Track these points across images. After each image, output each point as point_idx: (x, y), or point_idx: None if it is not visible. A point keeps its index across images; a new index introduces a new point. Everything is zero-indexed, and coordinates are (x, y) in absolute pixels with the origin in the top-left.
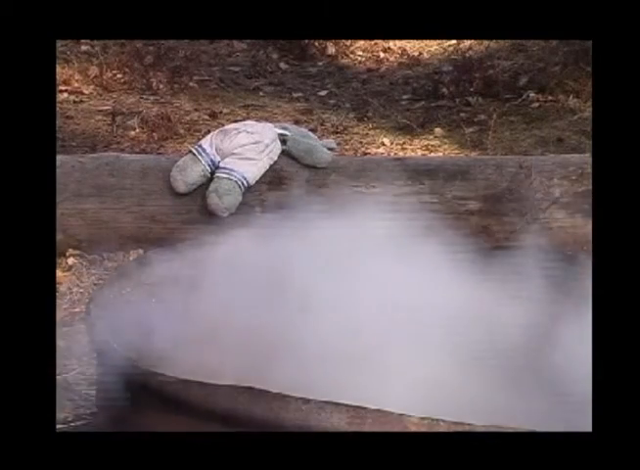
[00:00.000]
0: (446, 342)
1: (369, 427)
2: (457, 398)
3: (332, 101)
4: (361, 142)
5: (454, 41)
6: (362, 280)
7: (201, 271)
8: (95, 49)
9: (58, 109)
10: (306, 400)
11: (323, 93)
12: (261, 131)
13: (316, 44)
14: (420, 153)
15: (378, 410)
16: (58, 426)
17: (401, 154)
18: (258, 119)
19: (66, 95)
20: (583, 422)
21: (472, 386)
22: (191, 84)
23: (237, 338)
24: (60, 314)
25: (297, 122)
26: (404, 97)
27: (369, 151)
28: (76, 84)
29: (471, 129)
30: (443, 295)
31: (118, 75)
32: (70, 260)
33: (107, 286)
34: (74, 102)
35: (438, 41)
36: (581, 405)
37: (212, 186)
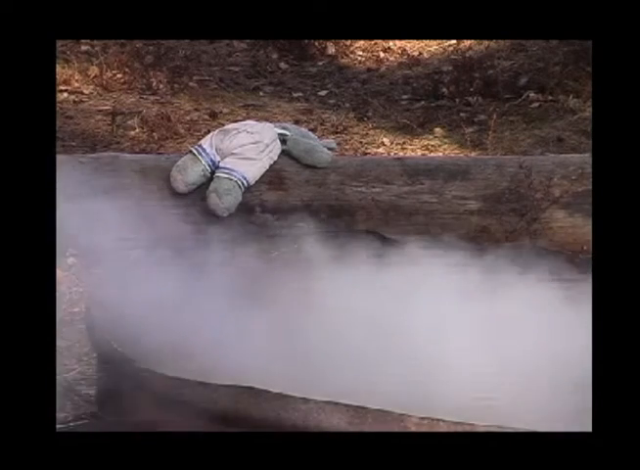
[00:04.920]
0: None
1: (369, 427)
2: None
3: (332, 101)
4: (361, 142)
5: (454, 41)
6: None
7: (201, 271)
8: (95, 49)
9: (58, 109)
10: (306, 400)
11: (323, 93)
12: (261, 131)
13: (316, 44)
14: (420, 153)
15: (378, 410)
16: (58, 426)
17: (401, 154)
18: (258, 119)
19: (66, 95)
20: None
21: (473, 386)
22: (191, 84)
23: (236, 338)
24: (60, 314)
25: (297, 122)
26: (404, 97)
27: (369, 151)
28: (76, 84)
29: (471, 129)
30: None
31: (118, 75)
32: (70, 260)
33: (107, 286)
34: (74, 102)
35: (438, 41)
36: (581, 405)
37: (212, 186)
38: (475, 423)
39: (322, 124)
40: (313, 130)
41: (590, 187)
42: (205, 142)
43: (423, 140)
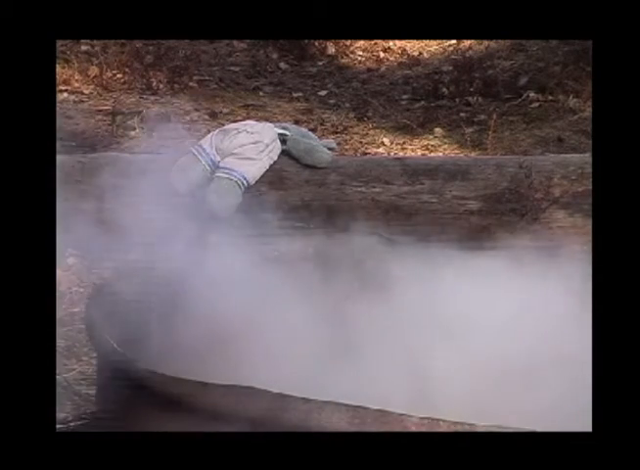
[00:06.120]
0: (449, 343)
1: (369, 427)
2: (459, 397)
3: (332, 101)
4: (361, 142)
5: (454, 41)
6: None
7: (200, 271)
8: (95, 49)
9: (58, 109)
10: (306, 400)
11: (323, 93)
12: (261, 131)
13: (316, 44)
14: (420, 153)
15: (378, 410)
16: (58, 426)
17: (401, 154)
18: (258, 119)
19: (66, 95)
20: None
21: (474, 386)
22: (191, 84)
23: (237, 337)
24: (60, 314)
25: (297, 122)
26: (404, 97)
27: (369, 151)
28: (76, 84)
29: (471, 129)
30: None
31: (118, 75)
32: (70, 260)
33: (106, 286)
34: (74, 102)
35: (438, 41)
36: (581, 405)
37: (212, 186)
38: (475, 423)
39: (322, 124)
40: (313, 130)
41: (590, 187)
42: (206, 142)
43: (423, 140)
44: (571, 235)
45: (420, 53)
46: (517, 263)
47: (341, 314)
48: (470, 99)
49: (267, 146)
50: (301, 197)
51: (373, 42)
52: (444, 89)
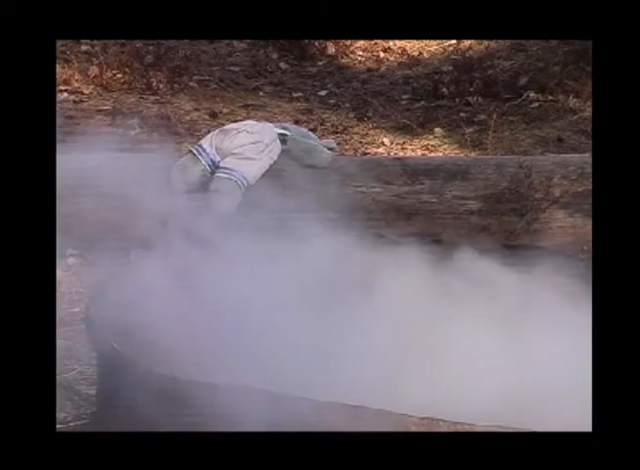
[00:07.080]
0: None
1: (369, 427)
2: (459, 398)
3: (332, 101)
4: (361, 142)
5: (454, 41)
6: None
7: (201, 271)
8: (95, 49)
9: (58, 109)
10: (307, 400)
11: (323, 93)
12: (261, 131)
13: (316, 44)
14: (420, 153)
15: (378, 410)
16: (58, 426)
17: (401, 154)
18: (258, 119)
19: (66, 95)
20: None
21: (473, 385)
22: (191, 84)
23: (238, 337)
24: (60, 314)
25: (297, 122)
26: (404, 97)
27: (369, 151)
28: (76, 84)
29: (471, 129)
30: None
31: (118, 75)
32: (70, 260)
33: (106, 286)
34: (74, 102)
35: (438, 41)
36: (581, 405)
37: (212, 186)
38: (474, 423)
39: (322, 124)
40: (313, 130)
41: (590, 187)
42: (206, 142)
43: (423, 140)
44: (570, 235)
45: (420, 53)
46: (516, 263)
47: (341, 314)
48: (470, 99)
49: (267, 146)
50: (301, 197)
51: (373, 42)
52: (444, 89)
